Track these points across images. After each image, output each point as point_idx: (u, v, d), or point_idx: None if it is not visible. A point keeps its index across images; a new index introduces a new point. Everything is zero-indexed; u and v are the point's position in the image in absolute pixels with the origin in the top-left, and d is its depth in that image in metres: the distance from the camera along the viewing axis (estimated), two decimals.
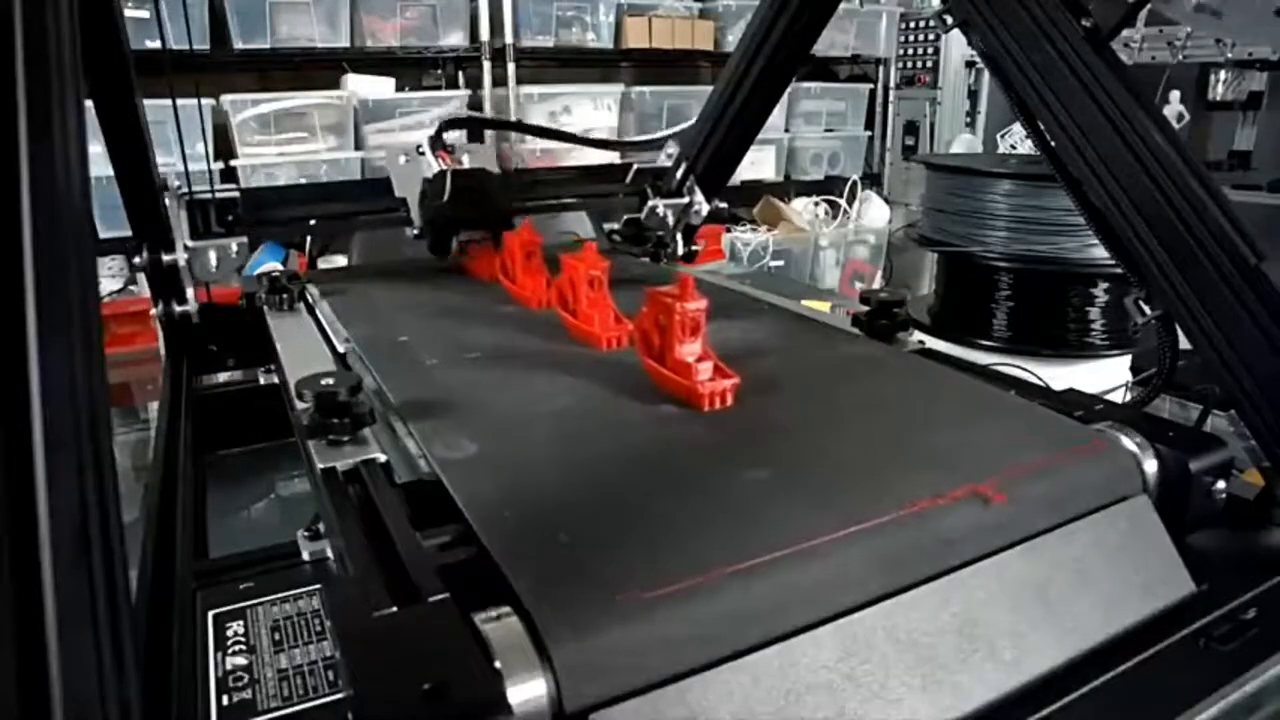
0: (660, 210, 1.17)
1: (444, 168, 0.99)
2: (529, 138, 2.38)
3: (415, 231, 1.03)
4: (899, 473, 0.47)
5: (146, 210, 0.88)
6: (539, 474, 0.48)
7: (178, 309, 0.92)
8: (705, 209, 1.17)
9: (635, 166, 1.23)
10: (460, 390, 0.61)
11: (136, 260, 0.90)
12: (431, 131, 1.03)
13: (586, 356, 0.68)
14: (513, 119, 2.30)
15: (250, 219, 0.97)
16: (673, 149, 1.20)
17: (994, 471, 0.46)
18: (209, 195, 0.94)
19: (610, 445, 0.52)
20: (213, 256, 0.93)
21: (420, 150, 1.01)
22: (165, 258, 0.90)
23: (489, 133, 2.23)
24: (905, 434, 0.53)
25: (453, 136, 1.06)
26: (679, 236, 1.18)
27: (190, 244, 0.91)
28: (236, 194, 0.97)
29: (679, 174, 1.18)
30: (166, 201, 0.90)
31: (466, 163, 1.04)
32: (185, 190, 0.93)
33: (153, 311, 0.92)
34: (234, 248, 0.94)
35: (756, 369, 0.60)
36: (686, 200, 1.17)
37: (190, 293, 0.92)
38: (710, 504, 0.44)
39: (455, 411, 0.57)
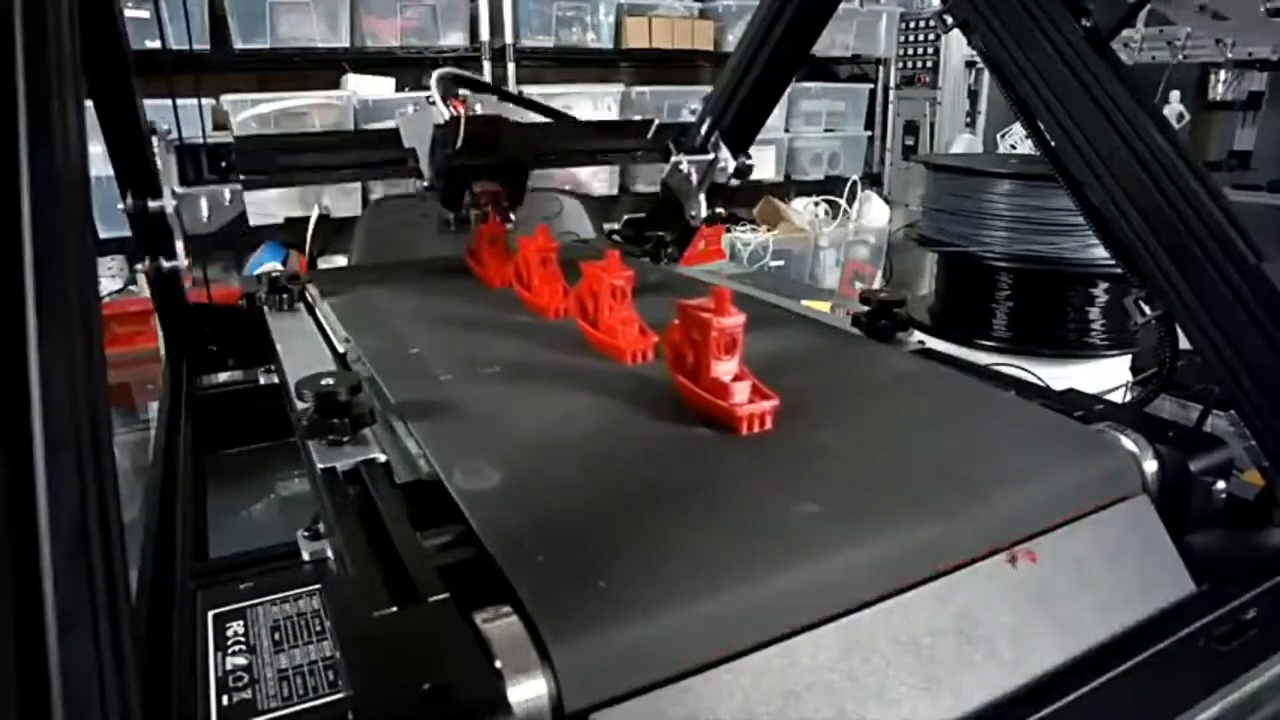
0: (684, 167, 1.13)
1: (456, 114, 0.92)
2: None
3: (425, 184, 0.97)
4: (945, 510, 0.44)
5: (132, 155, 0.82)
6: (568, 507, 0.45)
7: (166, 264, 0.86)
8: (732, 166, 1.11)
9: (657, 122, 1.16)
10: (478, 409, 0.58)
11: (120, 206, 0.82)
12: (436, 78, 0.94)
13: (611, 371, 0.65)
14: (516, 123, 2.29)
15: (244, 168, 0.89)
16: (695, 105, 1.16)
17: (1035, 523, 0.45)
18: (200, 143, 0.88)
19: (642, 471, 0.49)
20: (204, 204, 0.86)
21: (430, 99, 0.93)
22: (152, 205, 0.83)
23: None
24: (951, 462, 0.49)
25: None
26: (702, 198, 1.13)
27: (179, 190, 0.85)
28: (230, 139, 0.90)
29: (703, 129, 1.13)
30: (155, 146, 0.83)
31: (480, 110, 0.95)
32: (175, 135, 0.87)
33: (139, 266, 0.85)
34: (227, 195, 0.88)
35: (787, 385, 0.56)
36: (711, 157, 1.12)
37: (180, 246, 0.85)
38: (745, 539, 0.42)
39: (474, 434, 0.54)
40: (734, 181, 1.14)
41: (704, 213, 1.14)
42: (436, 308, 0.85)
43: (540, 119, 1.16)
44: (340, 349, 0.74)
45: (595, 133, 1.22)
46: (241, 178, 0.90)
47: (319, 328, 0.81)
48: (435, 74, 0.95)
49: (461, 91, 0.95)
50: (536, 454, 0.51)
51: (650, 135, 1.15)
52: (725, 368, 0.54)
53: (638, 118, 1.37)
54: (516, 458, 0.50)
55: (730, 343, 0.54)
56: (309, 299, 0.89)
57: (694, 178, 1.13)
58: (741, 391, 0.53)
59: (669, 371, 0.59)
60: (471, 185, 0.96)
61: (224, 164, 0.89)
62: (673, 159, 1.14)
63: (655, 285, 0.90)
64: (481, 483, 0.46)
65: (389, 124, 1.00)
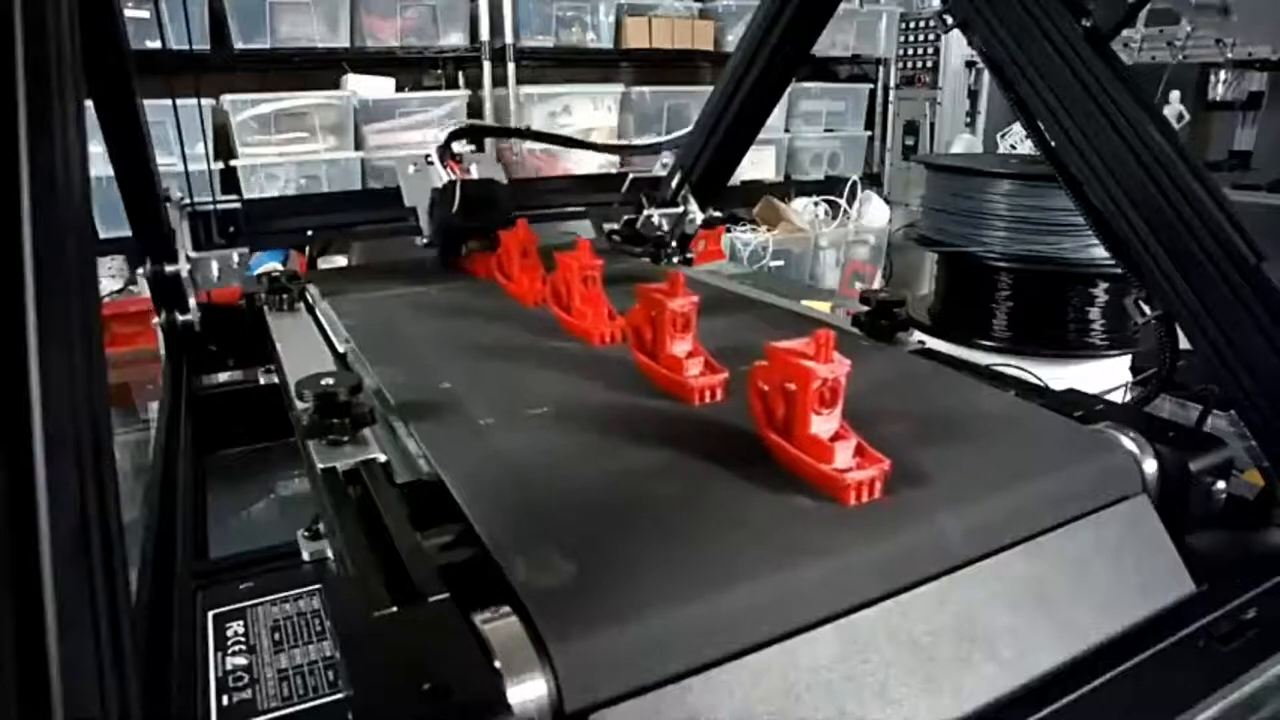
0: (655, 219, 1.18)
1: (453, 177, 1.00)
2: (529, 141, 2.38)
3: (425, 240, 1.05)
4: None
5: (149, 222, 0.90)
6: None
7: (180, 318, 0.93)
8: (699, 218, 1.18)
9: (631, 176, 1.23)
10: (533, 467, 0.50)
11: (140, 271, 0.92)
12: (440, 141, 1.05)
13: (679, 415, 0.57)
14: (518, 125, 2.30)
15: (251, 230, 1.00)
16: (668, 158, 1.21)
17: None
18: (210, 206, 0.97)
19: (748, 559, 0.40)
20: (214, 267, 0.95)
21: (429, 160, 1.03)
22: (168, 268, 0.91)
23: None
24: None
25: (459, 145, 1.08)
26: (674, 245, 1.19)
27: (193, 255, 0.93)
28: (238, 205, 0.99)
29: (674, 183, 1.19)
30: (169, 213, 0.91)
31: (475, 172, 1.06)
32: (187, 201, 0.95)
33: (155, 321, 0.94)
34: (235, 258, 0.96)
35: (880, 432, 0.48)
36: (681, 209, 1.18)
37: (192, 301, 0.93)
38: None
39: (534, 504, 0.45)
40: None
41: (676, 260, 1.20)
42: (464, 330, 0.78)
43: (532, 145, 1.27)
44: (340, 349, 0.74)
45: (575, 187, 1.29)
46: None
47: (319, 328, 0.81)
48: (438, 139, 1.05)
49: (457, 152, 1.05)
50: (610, 526, 0.43)
51: (625, 189, 1.21)
52: (824, 425, 0.46)
53: (614, 170, 1.43)
54: (588, 533, 0.42)
55: (832, 396, 0.46)
56: (309, 299, 0.90)
57: (665, 228, 1.19)
58: (845, 454, 0.45)
59: (757, 426, 0.51)
60: (467, 242, 1.04)
61: (232, 229, 0.98)
62: (645, 211, 1.19)
63: (716, 305, 0.83)
64: (554, 577, 0.38)
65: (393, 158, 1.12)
